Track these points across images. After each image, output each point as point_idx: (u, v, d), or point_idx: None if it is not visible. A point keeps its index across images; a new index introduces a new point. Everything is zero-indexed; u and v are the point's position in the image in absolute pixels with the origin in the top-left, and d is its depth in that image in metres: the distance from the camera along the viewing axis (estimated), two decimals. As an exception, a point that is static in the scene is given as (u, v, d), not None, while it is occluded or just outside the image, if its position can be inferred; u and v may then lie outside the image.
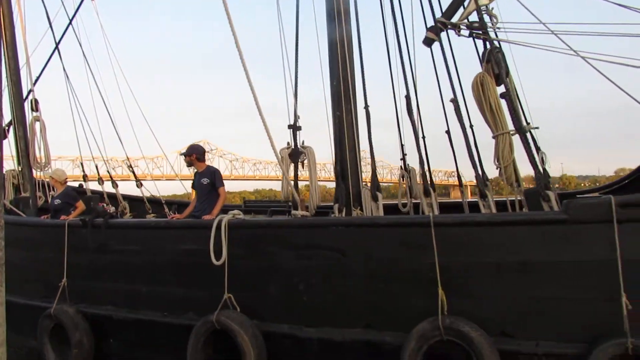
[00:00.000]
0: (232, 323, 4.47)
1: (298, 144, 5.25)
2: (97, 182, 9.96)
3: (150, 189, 10.14)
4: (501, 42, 5.64)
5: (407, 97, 5.12)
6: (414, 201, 7.69)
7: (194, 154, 6.06)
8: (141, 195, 9.84)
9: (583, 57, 4.88)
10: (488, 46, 5.38)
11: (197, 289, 4.94)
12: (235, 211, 5.01)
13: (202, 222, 5.12)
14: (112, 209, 9.93)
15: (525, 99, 6.31)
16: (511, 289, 3.91)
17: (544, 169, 6.41)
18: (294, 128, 5.22)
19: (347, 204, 5.60)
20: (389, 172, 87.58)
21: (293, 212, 4.68)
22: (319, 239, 4.54)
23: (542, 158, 6.34)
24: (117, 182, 9.90)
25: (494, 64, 5.43)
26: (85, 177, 9.96)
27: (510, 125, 5.50)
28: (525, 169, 5.34)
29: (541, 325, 3.83)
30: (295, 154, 5.06)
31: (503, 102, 5.42)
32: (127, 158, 10.14)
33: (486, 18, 5.47)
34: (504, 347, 3.85)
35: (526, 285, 3.87)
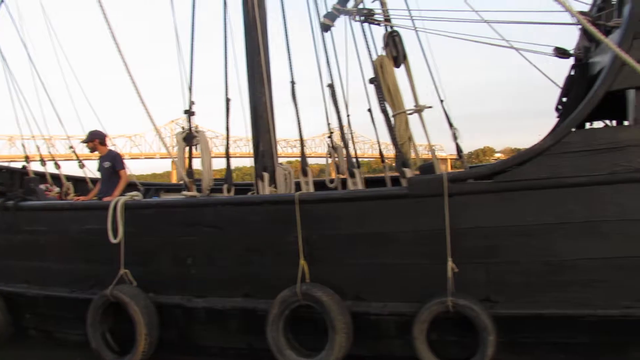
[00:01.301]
0: (124, 296, 4.85)
1: (192, 129, 5.57)
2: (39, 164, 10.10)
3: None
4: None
5: (292, 83, 5.44)
6: (341, 177, 8.17)
7: (96, 139, 6.31)
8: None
9: (517, 49, 5.18)
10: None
11: (99, 266, 5.29)
12: (134, 192, 5.35)
13: (102, 203, 5.44)
14: (55, 189, 10.18)
15: (439, 76, 6.72)
16: (364, 258, 4.35)
17: (457, 144, 6.87)
18: (189, 113, 5.54)
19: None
20: (370, 147, 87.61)
21: (183, 192, 5.04)
22: (202, 217, 4.90)
23: (454, 134, 6.81)
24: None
25: (392, 47, 5.79)
26: (27, 158, 10.07)
27: (407, 105, 5.91)
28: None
29: (388, 289, 4.29)
30: (189, 138, 5.38)
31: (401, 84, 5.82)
32: (67, 137, 10.22)
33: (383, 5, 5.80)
34: (357, 309, 4.32)
35: (376, 254, 4.31)
